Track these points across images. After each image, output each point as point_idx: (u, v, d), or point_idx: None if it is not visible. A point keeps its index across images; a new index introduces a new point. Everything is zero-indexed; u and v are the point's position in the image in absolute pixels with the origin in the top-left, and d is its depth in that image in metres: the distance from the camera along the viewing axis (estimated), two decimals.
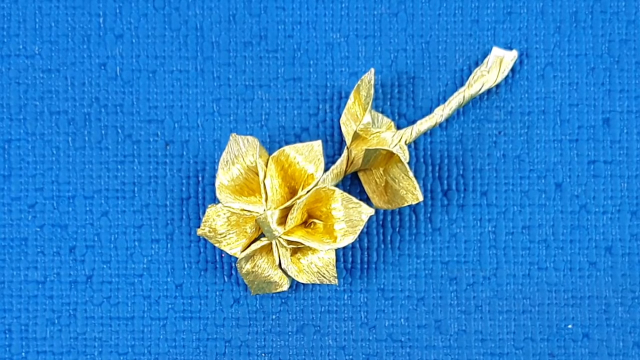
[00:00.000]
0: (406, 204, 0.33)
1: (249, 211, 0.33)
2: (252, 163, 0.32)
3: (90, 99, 0.36)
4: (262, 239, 0.33)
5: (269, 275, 0.34)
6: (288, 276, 0.34)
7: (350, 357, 0.36)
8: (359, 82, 0.33)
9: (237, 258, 0.33)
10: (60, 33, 0.36)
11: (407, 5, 0.36)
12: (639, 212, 0.36)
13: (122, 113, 0.36)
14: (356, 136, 0.33)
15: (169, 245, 0.36)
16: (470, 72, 0.36)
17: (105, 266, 0.36)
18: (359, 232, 0.32)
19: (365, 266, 0.36)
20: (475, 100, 0.36)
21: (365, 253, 0.36)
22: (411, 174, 0.32)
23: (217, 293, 0.36)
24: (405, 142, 0.33)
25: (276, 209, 0.32)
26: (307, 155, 0.32)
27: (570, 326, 0.36)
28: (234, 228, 0.33)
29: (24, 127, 0.36)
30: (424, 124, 0.34)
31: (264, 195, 0.32)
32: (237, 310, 0.36)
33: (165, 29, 0.36)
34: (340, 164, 0.33)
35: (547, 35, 0.36)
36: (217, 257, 0.36)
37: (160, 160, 0.36)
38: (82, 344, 0.36)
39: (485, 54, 0.36)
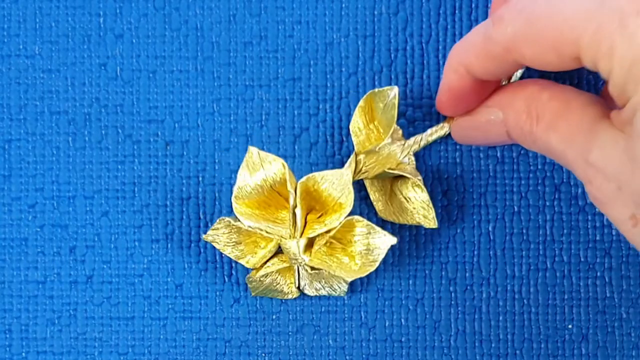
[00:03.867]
0: (415, 224, 0.34)
1: (270, 232, 0.33)
2: (274, 180, 0.32)
3: (90, 99, 0.36)
4: (280, 257, 0.34)
5: (279, 286, 0.34)
6: (298, 289, 0.35)
7: (350, 357, 0.36)
8: (375, 91, 0.33)
9: (241, 265, 0.34)
10: (60, 33, 0.36)
11: (407, 5, 0.36)
12: None
13: (122, 113, 0.36)
14: (368, 150, 0.33)
15: (169, 245, 0.36)
16: None
17: (105, 266, 0.36)
18: (379, 262, 0.32)
19: None
20: None
21: None
22: (430, 203, 0.33)
23: (217, 293, 0.36)
24: (414, 151, 0.33)
25: (303, 237, 0.33)
26: (335, 183, 0.32)
27: (570, 326, 0.36)
28: (245, 239, 0.33)
29: (24, 127, 0.36)
30: (433, 134, 0.33)
31: (290, 222, 0.32)
32: (237, 310, 0.36)
33: (165, 29, 0.36)
34: (349, 171, 0.33)
35: None
36: (217, 257, 0.36)
37: (160, 160, 0.36)
38: (82, 344, 0.36)
39: None
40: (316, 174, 0.32)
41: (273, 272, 0.34)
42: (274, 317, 0.36)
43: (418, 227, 0.36)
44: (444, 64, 0.36)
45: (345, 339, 0.36)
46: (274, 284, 0.34)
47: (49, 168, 0.36)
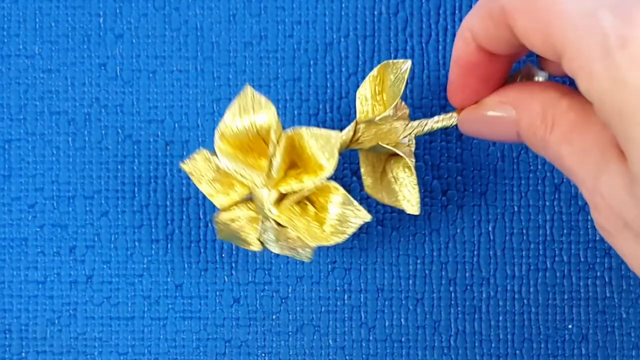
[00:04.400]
0: (399, 207, 0.32)
1: (244, 177, 0.31)
2: (261, 127, 0.31)
3: (90, 99, 0.36)
4: (250, 205, 0.32)
5: (243, 234, 0.33)
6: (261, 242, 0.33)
7: (350, 357, 0.36)
8: (389, 62, 0.32)
9: (214, 207, 0.33)
10: (60, 33, 0.36)
11: (407, 5, 0.36)
12: None
13: (122, 113, 0.36)
14: (368, 119, 0.32)
15: (169, 245, 0.36)
16: None
17: (105, 266, 0.36)
18: (349, 235, 0.31)
19: (364, 266, 0.36)
20: None
21: (364, 253, 0.36)
22: (417, 187, 0.32)
23: (217, 293, 0.36)
24: (416, 134, 0.32)
25: (276, 189, 0.31)
26: (322, 144, 0.30)
27: (570, 326, 0.36)
28: (222, 178, 0.32)
29: (24, 127, 0.36)
30: (439, 122, 0.32)
31: (266, 171, 0.31)
32: (237, 310, 0.36)
33: (165, 29, 0.36)
34: (345, 137, 0.32)
35: None
36: (217, 257, 0.36)
37: (161, 160, 0.36)
38: (82, 344, 0.36)
39: None
40: (304, 129, 0.30)
41: (239, 218, 0.32)
42: (274, 317, 0.36)
43: (417, 227, 0.36)
44: (444, 64, 0.36)
45: (345, 339, 0.36)
46: (240, 232, 0.33)
47: (49, 168, 0.36)
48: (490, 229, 0.36)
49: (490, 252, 0.36)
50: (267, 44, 0.36)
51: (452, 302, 0.36)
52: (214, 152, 0.31)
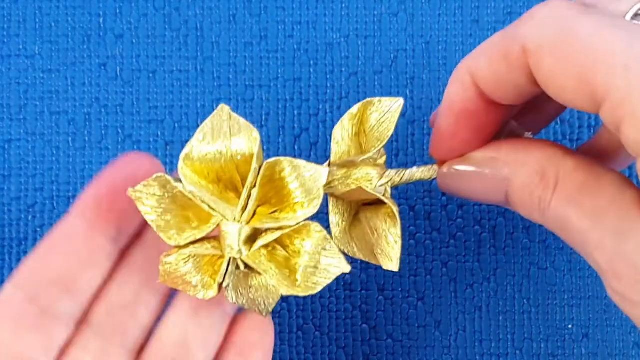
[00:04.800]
0: (373, 263, 0.28)
1: (213, 208, 0.26)
2: (237, 153, 0.26)
3: (90, 99, 0.36)
4: (212, 242, 0.27)
5: (195, 277, 0.28)
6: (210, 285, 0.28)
7: (350, 357, 0.36)
8: (372, 101, 0.28)
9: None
10: (60, 33, 0.36)
11: (407, 6, 0.36)
12: None
13: (122, 113, 0.36)
14: (345, 161, 0.29)
15: None
16: None
17: None
18: (323, 286, 0.27)
19: (365, 266, 0.36)
20: None
21: None
22: (400, 241, 0.28)
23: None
24: (392, 185, 0.28)
25: (249, 225, 0.27)
26: (306, 179, 0.26)
27: (570, 326, 0.36)
28: (176, 211, 0.27)
29: (24, 127, 0.36)
30: (418, 173, 0.28)
31: (241, 204, 0.26)
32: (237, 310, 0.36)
33: (165, 29, 0.36)
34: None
35: None
36: None
37: (161, 161, 0.36)
38: None
39: None
40: (288, 159, 0.26)
41: (198, 257, 0.27)
42: (274, 316, 0.36)
43: (418, 226, 0.36)
44: (444, 64, 0.36)
45: (345, 338, 0.36)
46: (191, 274, 0.27)
47: (49, 168, 0.36)
48: (490, 228, 0.36)
49: (492, 252, 0.36)
50: (267, 44, 0.36)
51: (453, 302, 0.36)
52: (177, 179, 0.26)
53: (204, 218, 0.27)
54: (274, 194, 0.27)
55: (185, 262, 0.27)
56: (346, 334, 0.36)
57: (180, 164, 0.26)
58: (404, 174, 0.28)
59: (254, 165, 0.26)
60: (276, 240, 0.27)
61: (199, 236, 0.27)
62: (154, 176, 0.26)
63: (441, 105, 0.27)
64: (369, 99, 0.28)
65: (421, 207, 0.36)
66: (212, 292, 0.27)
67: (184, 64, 0.36)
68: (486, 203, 0.28)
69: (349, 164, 0.28)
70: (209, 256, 0.28)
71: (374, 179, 0.28)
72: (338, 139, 0.28)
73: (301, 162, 0.26)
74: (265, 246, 0.27)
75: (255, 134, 0.26)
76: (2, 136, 0.36)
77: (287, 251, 0.28)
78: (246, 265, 0.27)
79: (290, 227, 0.26)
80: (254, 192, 0.26)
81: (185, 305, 0.28)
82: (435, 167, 0.28)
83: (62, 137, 0.36)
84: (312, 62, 0.36)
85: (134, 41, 0.36)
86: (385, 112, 0.28)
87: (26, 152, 0.36)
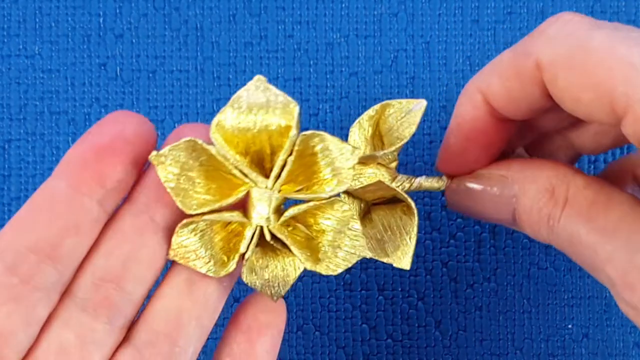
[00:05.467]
0: (383, 260, 0.28)
1: (243, 172, 0.25)
2: (272, 123, 0.25)
3: (90, 99, 0.36)
4: (236, 214, 0.26)
5: (211, 249, 0.26)
6: (218, 264, 0.27)
7: (350, 357, 0.36)
8: (391, 103, 0.28)
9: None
10: (60, 33, 0.36)
11: (407, 5, 0.36)
12: None
13: None
14: (365, 156, 0.28)
15: None
16: (470, 73, 0.36)
17: None
18: (341, 270, 0.27)
19: (365, 266, 0.36)
20: None
21: None
22: (415, 238, 0.28)
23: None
24: (403, 190, 0.28)
25: (281, 194, 0.26)
26: (337, 160, 0.26)
27: (570, 326, 0.36)
28: (198, 176, 0.26)
29: (24, 127, 0.36)
30: (427, 182, 0.29)
31: (275, 171, 0.25)
32: None
33: (165, 29, 0.36)
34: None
35: None
36: None
37: None
38: None
39: (485, 54, 0.36)
40: (324, 134, 0.25)
41: (214, 232, 0.26)
42: None
43: (418, 226, 0.36)
44: (445, 64, 0.36)
45: (345, 338, 0.36)
46: (205, 249, 0.26)
47: (48, 168, 0.36)
48: (490, 228, 0.36)
49: (492, 251, 0.36)
50: (267, 44, 0.36)
51: (453, 302, 0.36)
52: (208, 143, 0.25)
53: (229, 189, 0.26)
54: (302, 171, 0.26)
55: (201, 235, 0.26)
56: (346, 334, 0.36)
57: (212, 129, 0.25)
58: (414, 181, 0.28)
59: (293, 132, 0.25)
60: (299, 219, 0.27)
61: (224, 204, 0.25)
62: (183, 140, 0.24)
63: (449, 127, 0.27)
64: (387, 101, 0.28)
65: (421, 207, 0.36)
66: (231, 266, 0.26)
67: (184, 64, 0.36)
68: (493, 222, 0.28)
69: (367, 160, 0.28)
70: (225, 232, 0.27)
71: (386, 181, 0.28)
72: (355, 138, 0.29)
73: (335, 139, 0.25)
74: (287, 225, 0.27)
75: (293, 104, 0.25)
76: (2, 136, 0.36)
77: (310, 231, 0.27)
78: (272, 236, 0.26)
79: (321, 199, 0.26)
80: (290, 159, 0.25)
81: (179, 280, 0.26)
82: (444, 178, 0.28)
83: (62, 137, 0.36)
84: (312, 62, 0.36)
85: (134, 41, 0.36)
86: (405, 114, 0.28)
87: (26, 152, 0.36)
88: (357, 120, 0.28)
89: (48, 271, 0.23)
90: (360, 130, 0.28)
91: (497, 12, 0.36)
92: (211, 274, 0.26)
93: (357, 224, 0.26)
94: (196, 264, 0.26)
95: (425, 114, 0.36)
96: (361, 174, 0.28)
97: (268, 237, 0.26)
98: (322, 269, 0.26)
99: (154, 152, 0.24)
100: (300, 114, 0.25)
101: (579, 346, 0.36)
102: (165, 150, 0.24)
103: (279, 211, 0.26)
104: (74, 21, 0.36)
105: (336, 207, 0.26)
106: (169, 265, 0.26)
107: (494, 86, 0.25)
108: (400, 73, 0.36)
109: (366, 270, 0.36)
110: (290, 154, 0.25)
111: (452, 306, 0.36)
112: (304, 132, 0.25)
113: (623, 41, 0.21)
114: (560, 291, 0.36)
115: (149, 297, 0.26)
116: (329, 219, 0.27)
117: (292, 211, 0.26)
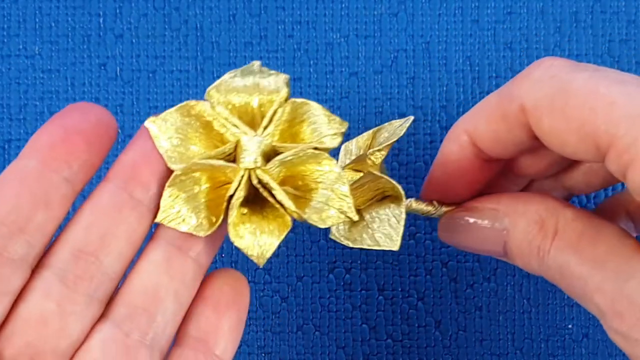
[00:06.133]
0: (375, 248, 0.28)
1: (235, 125, 0.26)
2: (265, 89, 0.26)
3: (90, 99, 0.36)
4: (223, 161, 0.26)
5: (189, 211, 0.26)
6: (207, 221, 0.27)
7: (350, 357, 0.36)
8: (384, 125, 0.29)
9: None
10: (60, 33, 0.36)
11: (407, 6, 0.36)
12: None
13: (122, 113, 0.36)
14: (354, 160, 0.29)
15: None
16: (470, 73, 0.36)
17: None
18: (330, 223, 0.27)
19: (365, 266, 0.36)
20: (477, 100, 0.36)
21: (365, 252, 0.36)
22: (403, 221, 0.28)
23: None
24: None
25: (269, 141, 0.26)
26: (325, 124, 0.26)
27: (570, 326, 0.36)
28: (192, 138, 0.26)
29: (24, 127, 0.36)
30: (414, 205, 0.29)
31: (265, 122, 0.26)
32: None
33: (165, 29, 0.36)
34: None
35: (547, 35, 0.36)
36: (217, 257, 0.36)
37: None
38: None
39: (485, 54, 0.36)
40: (314, 103, 0.26)
41: (202, 193, 0.26)
42: (274, 316, 0.36)
43: (418, 226, 0.36)
44: (445, 64, 0.36)
45: (345, 338, 0.36)
46: (193, 209, 0.26)
47: None
48: None
49: None
50: (267, 44, 0.36)
51: (453, 302, 0.36)
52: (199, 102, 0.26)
53: (222, 140, 0.27)
54: (289, 135, 0.27)
55: (188, 197, 0.26)
56: (346, 334, 0.36)
57: (209, 92, 0.26)
58: (408, 200, 0.29)
59: (284, 89, 0.26)
60: (287, 181, 0.27)
61: (212, 154, 0.26)
62: (180, 104, 0.26)
63: (434, 163, 0.28)
64: (380, 126, 0.29)
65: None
66: (217, 224, 0.26)
67: (184, 64, 0.36)
68: (484, 254, 0.29)
69: (358, 162, 0.28)
70: (214, 195, 0.27)
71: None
72: (346, 150, 0.29)
73: (324, 110, 0.26)
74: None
75: (284, 75, 0.26)
76: (2, 136, 0.36)
77: (299, 190, 0.27)
78: (260, 182, 0.26)
79: (309, 147, 0.26)
80: (280, 110, 0.26)
81: (157, 256, 0.26)
82: (435, 203, 0.29)
83: None
84: (312, 62, 0.36)
85: (134, 41, 0.36)
86: (394, 129, 0.28)
87: None
88: (353, 139, 0.29)
89: (19, 242, 0.24)
90: (350, 146, 0.29)
91: (497, 12, 0.36)
92: (198, 233, 0.26)
93: (344, 186, 0.26)
94: (182, 226, 0.26)
95: (425, 114, 0.36)
96: (353, 179, 0.28)
97: (255, 181, 0.26)
98: (311, 219, 0.26)
99: (152, 117, 0.26)
100: (289, 81, 0.26)
101: (579, 346, 0.36)
102: (161, 115, 0.26)
103: (267, 159, 0.26)
104: (74, 21, 0.36)
105: (324, 163, 0.26)
106: (146, 242, 0.26)
107: (480, 129, 0.26)
108: (400, 73, 0.36)
109: (366, 270, 0.36)
110: (277, 108, 0.26)
111: (452, 306, 0.36)
112: (294, 99, 0.26)
113: (602, 81, 0.22)
114: (560, 291, 0.36)
115: (126, 274, 0.26)
116: (316, 179, 0.27)
117: (280, 157, 0.26)
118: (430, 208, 0.29)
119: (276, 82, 0.26)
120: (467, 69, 0.36)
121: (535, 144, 0.25)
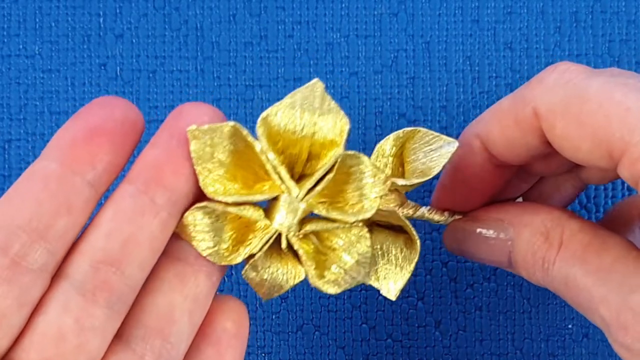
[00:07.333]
0: (370, 283, 0.27)
1: (280, 176, 0.25)
2: (318, 130, 0.25)
3: (90, 99, 0.36)
4: (255, 209, 0.26)
5: (209, 235, 0.26)
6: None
7: (350, 357, 0.36)
8: (420, 130, 0.27)
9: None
10: (60, 33, 0.36)
11: (407, 5, 0.36)
12: None
13: None
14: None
15: None
16: (470, 73, 0.36)
17: None
18: (340, 290, 0.26)
19: None
20: (477, 100, 0.36)
21: None
22: (411, 271, 0.27)
23: (217, 293, 0.36)
24: (406, 217, 0.28)
25: (307, 206, 0.25)
26: (369, 182, 0.26)
27: (570, 326, 0.36)
28: (228, 162, 0.25)
29: (24, 127, 0.36)
30: (431, 214, 0.29)
31: (311, 184, 0.25)
32: None
33: (165, 29, 0.36)
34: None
35: (547, 35, 0.36)
36: None
37: None
38: None
39: (485, 54, 0.36)
40: (364, 158, 0.25)
41: (227, 221, 0.26)
42: (274, 316, 0.36)
43: (418, 226, 0.36)
44: (445, 64, 0.36)
45: (345, 338, 0.36)
46: (212, 234, 0.26)
47: None
48: None
49: None
50: (267, 44, 0.36)
51: (453, 302, 0.36)
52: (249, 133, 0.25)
53: (253, 181, 0.26)
54: (330, 186, 0.26)
55: (214, 220, 0.25)
56: (346, 334, 0.36)
57: (259, 122, 0.24)
58: (418, 210, 0.28)
59: (339, 150, 0.25)
60: (315, 232, 0.26)
61: (248, 200, 0.25)
62: (227, 123, 0.24)
63: (447, 167, 0.27)
64: (419, 128, 0.27)
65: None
66: (236, 258, 0.26)
67: (184, 64, 0.36)
68: (490, 264, 0.28)
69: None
70: (238, 222, 0.26)
71: (390, 203, 0.28)
72: (379, 152, 0.28)
73: (372, 165, 0.25)
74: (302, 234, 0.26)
75: (344, 121, 0.25)
76: (2, 136, 0.36)
77: (322, 245, 0.27)
78: (288, 245, 0.26)
79: (345, 222, 0.26)
80: (329, 177, 0.25)
81: (169, 274, 0.25)
82: (446, 214, 0.28)
83: None
84: (312, 62, 0.36)
85: (134, 41, 0.36)
86: (434, 149, 0.27)
87: (26, 152, 0.36)
88: (385, 139, 0.28)
89: (40, 251, 0.22)
90: (384, 147, 0.28)
91: (497, 12, 0.36)
92: (212, 259, 0.25)
93: (369, 253, 0.26)
94: (201, 245, 0.25)
95: (425, 114, 0.36)
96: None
97: (284, 244, 0.26)
98: (324, 286, 0.26)
99: (193, 126, 0.24)
100: (349, 132, 0.25)
101: (579, 346, 0.36)
102: (205, 127, 0.24)
103: (300, 221, 0.26)
104: (74, 21, 0.36)
105: (353, 232, 0.26)
106: None
107: (493, 134, 0.26)
108: (400, 73, 0.36)
109: None
110: (330, 172, 0.25)
111: (452, 306, 0.36)
112: (346, 152, 0.25)
113: (619, 88, 0.22)
114: None
115: None
116: (343, 239, 0.26)
117: (313, 226, 0.26)
118: (441, 218, 0.29)
119: (334, 128, 0.25)
120: (467, 69, 0.36)
121: (548, 150, 0.25)
